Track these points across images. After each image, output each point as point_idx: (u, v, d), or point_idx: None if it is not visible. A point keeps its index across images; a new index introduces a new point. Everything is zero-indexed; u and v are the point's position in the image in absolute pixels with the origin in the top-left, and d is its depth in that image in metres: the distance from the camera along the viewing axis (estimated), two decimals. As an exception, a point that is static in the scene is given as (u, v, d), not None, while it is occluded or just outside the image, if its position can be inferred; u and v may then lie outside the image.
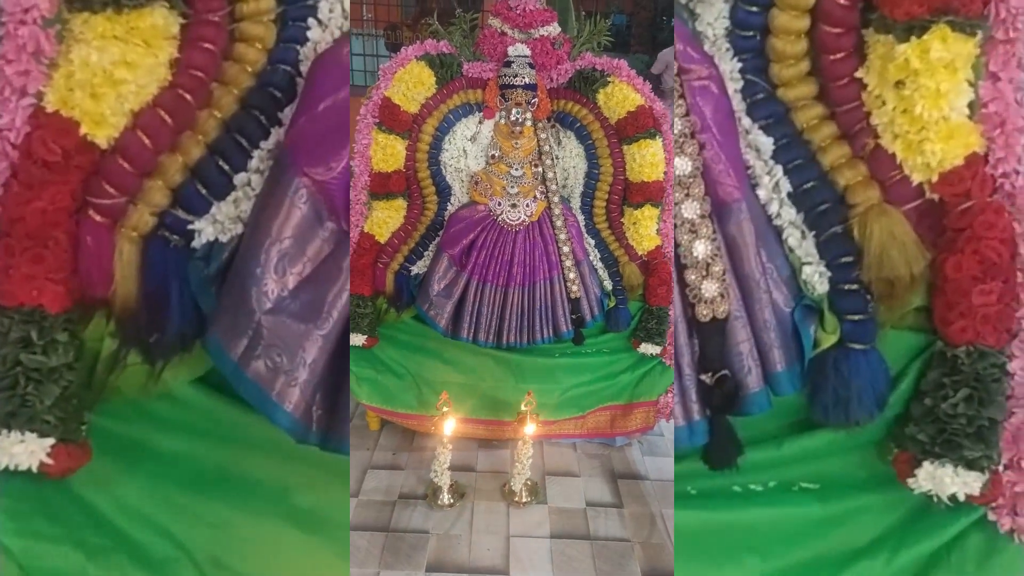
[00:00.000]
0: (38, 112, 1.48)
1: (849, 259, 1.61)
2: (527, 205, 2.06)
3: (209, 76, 1.59)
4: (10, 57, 1.47)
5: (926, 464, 1.53)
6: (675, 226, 1.58)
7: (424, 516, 1.92)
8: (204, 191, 1.60)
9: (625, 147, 1.98)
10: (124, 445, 1.56)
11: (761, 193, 1.64)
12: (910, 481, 1.55)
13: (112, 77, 1.49)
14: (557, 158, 2.10)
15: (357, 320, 1.99)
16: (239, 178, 1.62)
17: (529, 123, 2.02)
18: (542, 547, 1.81)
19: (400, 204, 2.04)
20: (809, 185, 1.62)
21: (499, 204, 2.05)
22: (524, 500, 1.99)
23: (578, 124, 2.05)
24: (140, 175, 1.56)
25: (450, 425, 1.92)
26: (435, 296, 2.05)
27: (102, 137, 1.51)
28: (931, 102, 1.50)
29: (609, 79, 1.95)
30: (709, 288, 1.57)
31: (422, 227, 2.09)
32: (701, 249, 1.57)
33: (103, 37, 1.49)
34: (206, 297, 1.59)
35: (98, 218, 1.53)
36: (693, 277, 1.58)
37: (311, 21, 1.68)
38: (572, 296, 2.07)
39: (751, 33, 1.64)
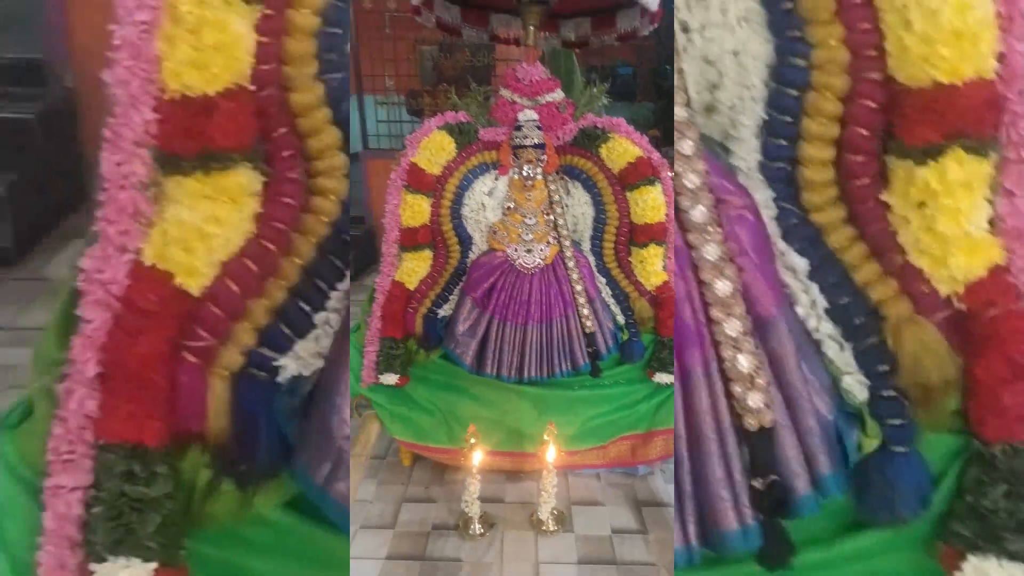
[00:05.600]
0: (136, 266, 1.59)
1: (885, 368, 1.68)
2: (541, 250, 2.23)
3: (290, 227, 1.69)
4: (112, 218, 1.60)
5: (971, 558, 1.58)
6: (718, 343, 1.66)
7: (457, 546, 2.03)
8: (287, 331, 1.69)
9: (628, 193, 2.20)
10: (219, 568, 1.65)
11: (799, 310, 1.72)
12: (957, 575, 1.60)
13: (203, 232, 1.60)
14: (567, 206, 2.30)
15: (390, 361, 2.16)
16: (318, 317, 1.71)
17: (540, 177, 2.23)
18: (570, 573, 1.92)
19: (427, 255, 2.25)
20: (844, 301, 1.70)
21: (516, 250, 2.24)
22: (552, 529, 2.08)
23: (584, 175, 2.27)
24: (229, 319, 1.66)
25: (478, 457, 2.01)
26: (460, 336, 2.21)
27: (195, 286, 1.62)
28: (952, 220, 1.60)
29: (610, 135, 2.19)
30: (754, 399, 1.65)
31: (447, 274, 2.30)
32: (745, 363, 1.65)
33: (194, 197, 1.60)
34: (291, 427, 1.67)
35: (192, 359, 1.63)
36: (739, 389, 1.66)
37: None
38: (587, 331, 2.20)
39: (782, 164, 1.74)
